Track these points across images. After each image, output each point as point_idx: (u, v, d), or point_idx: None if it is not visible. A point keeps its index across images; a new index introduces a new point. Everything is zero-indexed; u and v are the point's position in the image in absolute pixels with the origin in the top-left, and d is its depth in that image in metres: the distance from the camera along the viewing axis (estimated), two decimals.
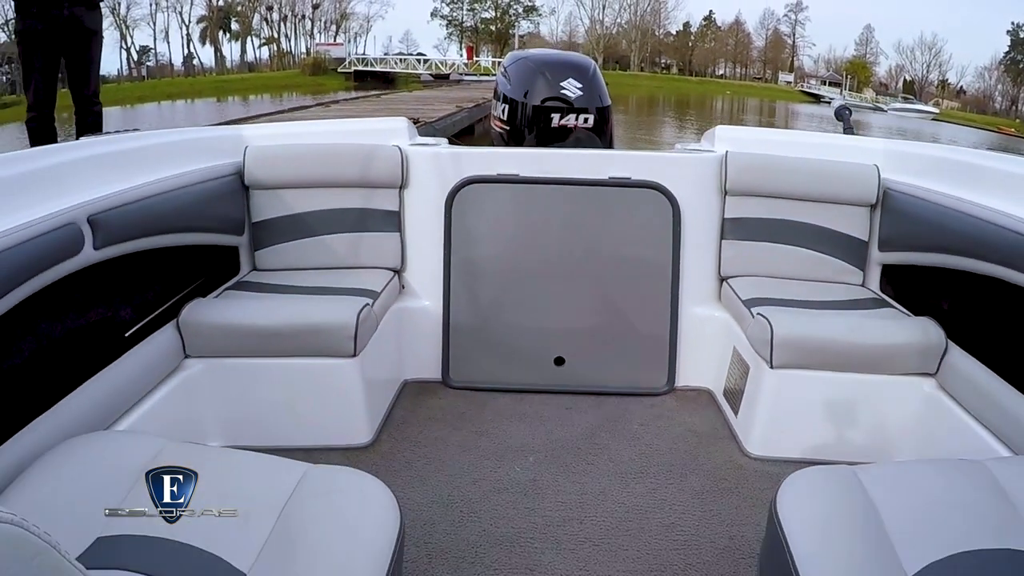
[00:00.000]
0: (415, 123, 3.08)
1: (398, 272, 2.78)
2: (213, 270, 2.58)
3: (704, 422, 2.57)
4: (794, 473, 1.45)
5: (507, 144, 3.38)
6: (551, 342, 2.78)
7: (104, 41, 4.91)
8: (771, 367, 2.26)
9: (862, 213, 2.69)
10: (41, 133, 4.44)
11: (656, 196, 2.73)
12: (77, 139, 4.31)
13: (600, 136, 3.58)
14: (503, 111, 3.65)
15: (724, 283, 2.74)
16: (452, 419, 2.55)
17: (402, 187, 2.78)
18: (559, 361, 2.77)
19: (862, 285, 2.70)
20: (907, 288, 2.60)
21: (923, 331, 2.24)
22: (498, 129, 3.71)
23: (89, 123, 4.60)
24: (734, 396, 2.55)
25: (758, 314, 2.33)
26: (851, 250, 2.70)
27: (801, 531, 1.28)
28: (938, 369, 2.23)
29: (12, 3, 4.43)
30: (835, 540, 1.26)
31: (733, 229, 2.76)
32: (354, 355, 2.26)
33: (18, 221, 1.59)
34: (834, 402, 2.31)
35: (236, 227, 2.60)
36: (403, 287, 2.83)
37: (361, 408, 2.36)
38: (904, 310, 2.46)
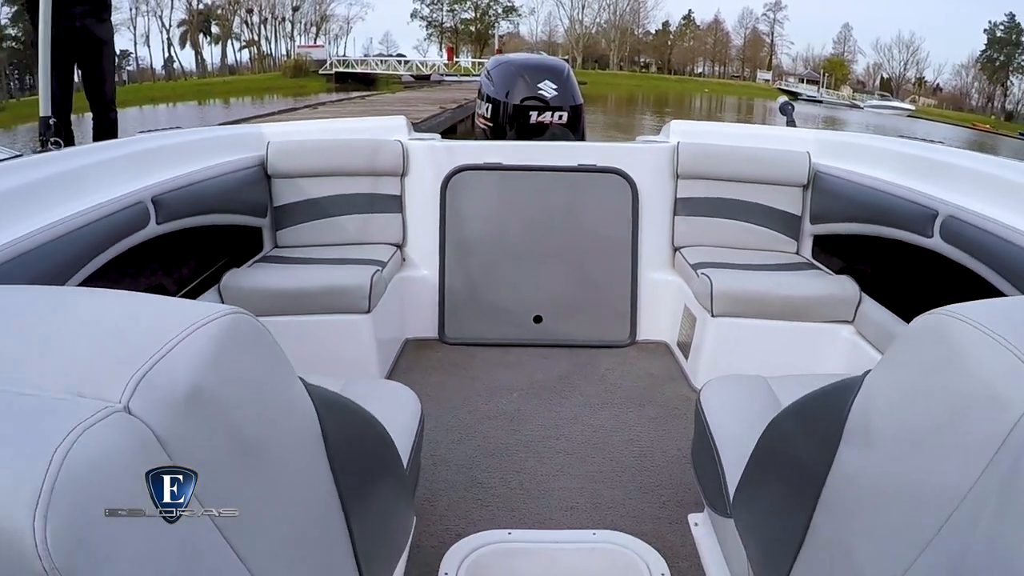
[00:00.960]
0: None
1: (400, 247, 3.25)
2: (239, 247, 3.02)
3: (660, 367, 3.05)
4: (715, 377, 1.93)
5: (491, 139, 3.85)
6: (531, 303, 3.25)
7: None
8: (712, 316, 2.75)
9: (795, 192, 3.18)
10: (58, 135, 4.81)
11: (618, 180, 3.21)
12: (94, 142, 4.71)
13: (574, 131, 4.06)
14: (487, 110, 4.13)
15: (677, 252, 3.23)
16: (448, 368, 3.01)
17: (403, 175, 3.24)
18: (537, 319, 3.24)
19: (796, 253, 3.19)
20: (833, 253, 3.10)
21: (841, 286, 2.74)
22: (482, 126, 4.18)
23: (105, 128, 4.96)
24: (685, 345, 3.03)
25: (702, 273, 2.82)
26: (786, 223, 3.19)
27: (715, 409, 1.75)
28: (855, 317, 2.73)
29: (27, 15, 4.81)
30: (739, 414, 1.72)
31: (684, 207, 3.25)
32: (368, 311, 2.71)
33: (104, 198, 2.04)
34: (766, 344, 2.79)
35: (260, 210, 3.05)
36: (404, 260, 3.29)
37: (373, 356, 2.81)
38: (828, 271, 2.96)
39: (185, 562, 0.66)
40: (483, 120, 4.16)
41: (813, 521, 1.11)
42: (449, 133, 16.53)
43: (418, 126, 14.01)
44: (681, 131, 3.40)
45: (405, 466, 1.50)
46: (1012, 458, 0.71)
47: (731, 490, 1.52)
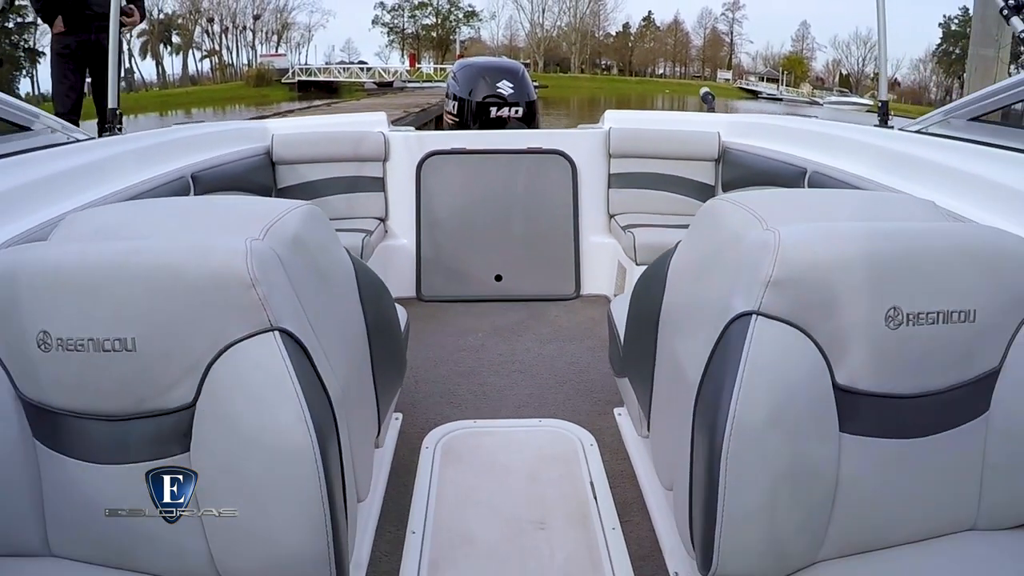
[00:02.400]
0: None
1: (383, 220, 3.89)
2: None
3: (600, 313, 3.70)
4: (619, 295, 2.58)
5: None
6: (492, 265, 3.90)
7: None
8: (636, 264, 3.41)
9: (709, 166, 3.90)
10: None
11: (561, 160, 3.89)
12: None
13: (529, 123, 4.71)
14: (453, 107, 4.77)
15: (612, 219, 3.91)
16: (425, 319, 3.63)
17: (384, 160, 3.89)
18: (498, 278, 3.90)
19: None
20: None
21: None
22: (450, 121, 4.82)
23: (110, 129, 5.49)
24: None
25: (629, 232, 3.48)
26: (702, 192, 3.89)
27: (617, 312, 2.35)
28: None
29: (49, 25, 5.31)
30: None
31: (617, 181, 3.94)
32: None
33: (156, 172, 2.66)
34: None
35: (267, 191, 3.66)
36: (387, 231, 3.93)
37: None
38: None
39: (295, 315, 1.24)
40: (450, 116, 4.78)
41: (657, 346, 1.71)
42: None
43: None
44: (614, 119, 4.10)
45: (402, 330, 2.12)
46: (743, 268, 1.26)
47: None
